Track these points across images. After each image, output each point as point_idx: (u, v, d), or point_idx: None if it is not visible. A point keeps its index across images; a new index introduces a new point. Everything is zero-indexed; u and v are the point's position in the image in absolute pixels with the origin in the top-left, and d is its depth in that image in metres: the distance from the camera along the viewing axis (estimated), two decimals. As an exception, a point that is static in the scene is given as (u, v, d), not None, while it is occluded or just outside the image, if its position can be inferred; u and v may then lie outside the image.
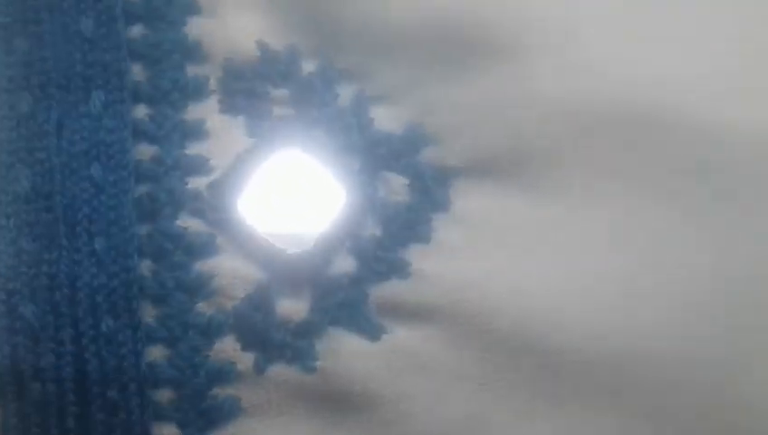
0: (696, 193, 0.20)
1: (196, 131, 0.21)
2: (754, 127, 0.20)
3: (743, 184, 0.20)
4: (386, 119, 0.21)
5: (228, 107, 0.21)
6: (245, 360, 0.20)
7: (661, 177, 0.20)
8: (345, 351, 0.20)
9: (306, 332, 0.20)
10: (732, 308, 0.20)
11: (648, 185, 0.20)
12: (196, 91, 0.21)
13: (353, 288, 0.20)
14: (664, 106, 0.20)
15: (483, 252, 0.20)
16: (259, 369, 0.20)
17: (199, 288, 0.20)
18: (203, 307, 0.20)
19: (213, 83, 0.21)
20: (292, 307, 0.20)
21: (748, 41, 0.21)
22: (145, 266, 0.20)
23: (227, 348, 0.20)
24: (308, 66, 0.21)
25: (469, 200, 0.21)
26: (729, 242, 0.20)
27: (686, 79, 0.21)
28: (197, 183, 0.20)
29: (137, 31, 0.21)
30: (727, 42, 0.21)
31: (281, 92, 0.21)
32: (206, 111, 0.21)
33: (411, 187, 0.21)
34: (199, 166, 0.20)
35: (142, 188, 0.20)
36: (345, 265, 0.20)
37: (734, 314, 0.20)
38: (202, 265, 0.20)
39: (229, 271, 0.20)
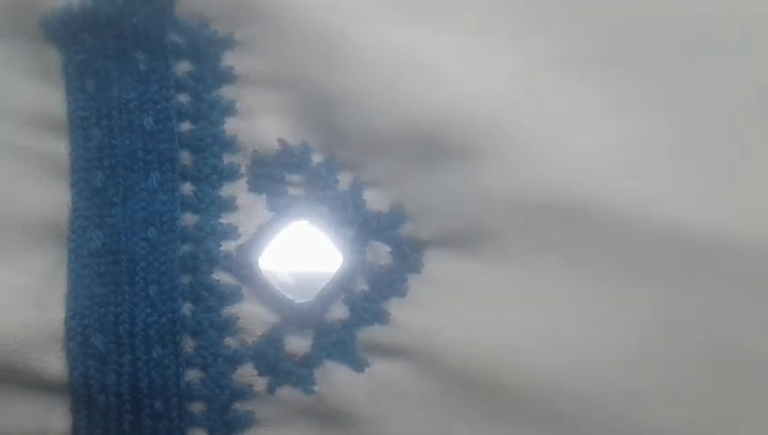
0: (611, 265, 0.23)
1: (228, 205, 0.23)
2: (663, 216, 0.23)
3: (649, 259, 0.23)
4: (375, 200, 0.23)
5: (254, 187, 0.23)
6: (260, 383, 0.23)
7: (583, 251, 0.23)
8: (336, 379, 0.23)
9: (307, 363, 0.23)
10: (642, 356, 0.23)
11: (572, 257, 0.23)
12: (230, 175, 0.23)
13: (345, 331, 0.23)
14: (585, 198, 0.23)
15: (444, 306, 0.23)
16: (270, 390, 0.22)
17: (227, 327, 0.23)
18: (229, 341, 0.23)
19: (243, 169, 0.23)
20: (298, 344, 0.23)
21: (679, 138, 0.24)
22: (186, 308, 0.23)
23: (247, 373, 0.23)
24: (316, 158, 0.24)
25: (436, 265, 0.23)
26: (638, 303, 0.23)
27: (606, 175, 0.23)
28: (229, 246, 0.23)
29: (186, 126, 0.23)
30: (654, 138, 0.24)
31: (295, 177, 0.24)
32: (237, 190, 0.23)
33: (392, 253, 0.23)
34: (230, 232, 0.23)
35: (186, 248, 0.23)
36: (339, 312, 0.23)
37: (638, 361, 0.23)
38: (230, 309, 0.23)
39: (250, 315, 0.23)
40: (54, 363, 0.22)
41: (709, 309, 0.23)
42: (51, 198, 0.23)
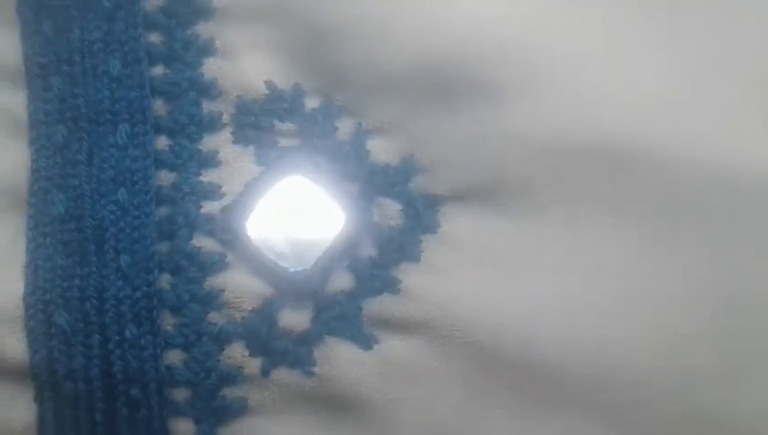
0: (661, 222, 0.22)
1: (210, 160, 0.23)
2: (720, 161, 0.22)
3: (703, 214, 0.22)
4: (381, 150, 0.23)
5: (239, 138, 0.23)
6: (252, 365, 0.22)
7: (629, 205, 0.22)
8: (340, 358, 0.22)
9: (306, 341, 0.22)
10: (693, 329, 0.22)
11: (620, 212, 0.22)
12: (211, 125, 0.23)
13: (349, 303, 0.22)
14: (631, 141, 0.22)
15: (465, 271, 0.22)
16: (264, 373, 0.22)
17: (211, 300, 0.22)
18: (215, 317, 0.22)
19: (226, 118, 0.23)
20: (294, 319, 0.22)
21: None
22: (164, 280, 0.22)
23: (236, 354, 0.22)
24: (311, 103, 0.23)
25: (455, 224, 0.23)
26: (693, 267, 0.22)
27: (652, 114, 0.22)
28: (211, 207, 0.23)
29: (158, 71, 0.23)
30: (699, 77, 0.23)
31: (287, 126, 0.23)
32: (220, 143, 0.23)
33: (403, 211, 0.23)
34: (213, 192, 0.23)
35: (162, 211, 0.22)
36: (342, 281, 0.23)
37: (695, 335, 0.22)
38: (214, 280, 0.22)
39: (238, 286, 0.22)
40: (14, 345, 0.22)
41: None
42: (7, 158, 0.23)
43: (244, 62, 0.23)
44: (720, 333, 0.22)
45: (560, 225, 0.22)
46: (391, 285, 0.22)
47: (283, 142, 0.23)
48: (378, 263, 0.23)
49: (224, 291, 0.22)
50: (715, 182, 0.22)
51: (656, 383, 0.22)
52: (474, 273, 0.22)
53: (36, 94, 0.23)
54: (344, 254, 0.23)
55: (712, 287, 0.22)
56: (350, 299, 0.22)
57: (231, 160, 0.23)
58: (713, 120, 0.22)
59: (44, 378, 0.22)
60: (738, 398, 0.22)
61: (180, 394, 0.22)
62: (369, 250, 0.23)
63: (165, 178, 0.23)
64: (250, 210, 0.23)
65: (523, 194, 0.22)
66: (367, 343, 0.22)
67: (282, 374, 0.22)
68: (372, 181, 0.23)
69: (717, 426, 0.21)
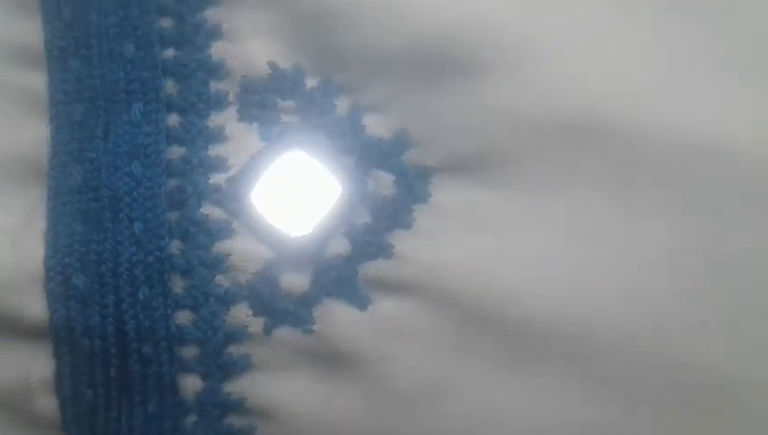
0: (640, 189, 0.23)
1: (217, 136, 0.24)
2: (699, 133, 0.23)
3: (683, 180, 0.23)
4: (376, 126, 0.24)
5: (244, 116, 0.24)
6: (256, 324, 0.23)
7: (608, 175, 0.23)
8: (337, 318, 0.23)
9: (306, 301, 0.23)
10: (675, 289, 0.23)
11: (597, 181, 0.23)
12: (218, 103, 0.24)
13: (346, 266, 0.23)
14: (611, 117, 0.23)
15: (454, 237, 0.23)
16: (267, 331, 0.23)
17: (218, 264, 0.23)
18: (221, 280, 0.23)
19: (232, 96, 0.24)
20: (295, 281, 0.23)
21: (699, 51, 0.24)
22: (174, 246, 0.23)
23: (241, 314, 0.23)
24: (311, 82, 0.24)
25: (444, 194, 0.23)
26: (672, 229, 0.23)
27: (631, 92, 0.23)
28: (218, 178, 0.23)
29: (169, 53, 0.24)
30: (678, 56, 0.24)
31: (288, 104, 0.24)
32: (226, 120, 0.24)
33: (396, 182, 0.24)
34: (219, 164, 0.23)
35: (173, 183, 0.23)
36: (339, 247, 0.23)
37: (672, 292, 0.23)
38: (220, 246, 0.23)
39: (243, 251, 0.23)
40: (34, 305, 0.23)
41: (755, 243, 0.23)
42: (30, 134, 0.24)
43: (249, 44, 0.24)
44: (698, 291, 0.23)
45: (542, 194, 0.23)
46: (385, 250, 0.23)
47: (285, 119, 0.24)
48: (372, 229, 0.23)
49: (230, 255, 0.23)
50: (694, 151, 0.23)
51: (634, 339, 0.22)
52: (462, 239, 0.23)
53: (56, 75, 0.24)
54: (341, 221, 0.24)
55: (691, 247, 0.23)
56: (346, 263, 0.23)
57: (237, 136, 0.24)
58: (691, 96, 0.23)
59: (62, 336, 0.23)
60: (714, 350, 0.22)
61: (189, 352, 0.23)
62: (364, 218, 0.24)
63: (175, 152, 0.24)
64: (254, 181, 0.24)
65: (508, 166, 0.23)
66: (362, 303, 0.23)
67: (283, 333, 0.23)
68: (367, 155, 0.24)
69: (691, 373, 0.22)
